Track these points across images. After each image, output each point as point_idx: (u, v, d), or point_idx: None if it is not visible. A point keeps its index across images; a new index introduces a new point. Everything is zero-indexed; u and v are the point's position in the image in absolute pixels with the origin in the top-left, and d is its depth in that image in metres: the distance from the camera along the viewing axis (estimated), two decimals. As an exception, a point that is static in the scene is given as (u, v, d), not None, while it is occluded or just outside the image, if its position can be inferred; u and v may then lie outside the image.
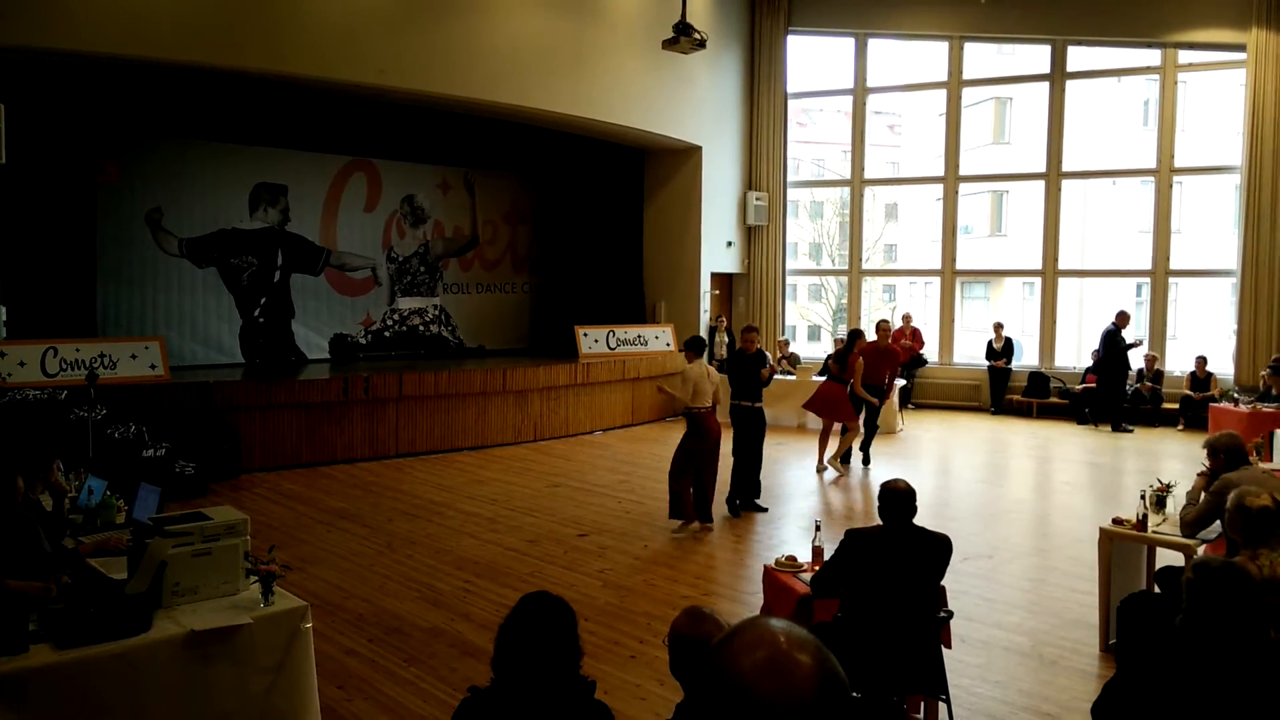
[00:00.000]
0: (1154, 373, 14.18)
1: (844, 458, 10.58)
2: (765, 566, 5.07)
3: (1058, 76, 15.20)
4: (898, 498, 4.09)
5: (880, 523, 4.14)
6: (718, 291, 16.41)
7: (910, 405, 15.51)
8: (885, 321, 11.46)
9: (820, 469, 10.57)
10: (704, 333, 15.48)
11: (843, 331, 17.07)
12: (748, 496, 8.80)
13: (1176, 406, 13.76)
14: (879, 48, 16.66)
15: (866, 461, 10.88)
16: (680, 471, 8.04)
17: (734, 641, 1.11)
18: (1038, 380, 15.16)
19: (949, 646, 4.45)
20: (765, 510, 8.76)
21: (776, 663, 1.07)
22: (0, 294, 10.22)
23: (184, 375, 11.07)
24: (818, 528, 5.05)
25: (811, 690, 1.06)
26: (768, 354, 9.78)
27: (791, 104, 16.99)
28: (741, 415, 8.74)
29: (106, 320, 11.90)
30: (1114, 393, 13.65)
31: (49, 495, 5.04)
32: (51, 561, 4.09)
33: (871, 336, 11.03)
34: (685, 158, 15.71)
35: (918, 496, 4.15)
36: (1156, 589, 4.92)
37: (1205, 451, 5.21)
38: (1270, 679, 2.63)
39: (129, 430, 9.16)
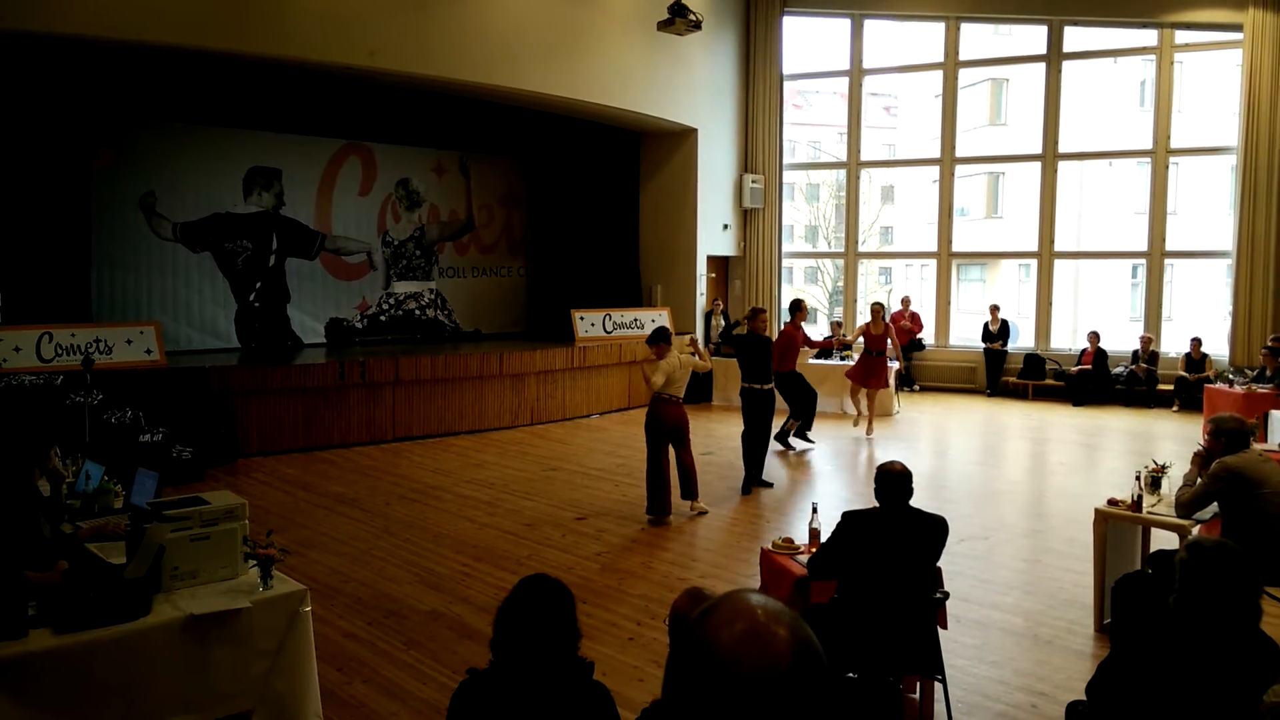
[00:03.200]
0: (1149, 354, 14.21)
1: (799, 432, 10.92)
2: (762, 549, 5.10)
3: (1054, 57, 15.15)
4: (894, 479, 4.10)
5: (877, 504, 4.16)
6: (714, 275, 16.40)
7: (916, 387, 15.58)
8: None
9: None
10: (700, 316, 15.53)
11: (839, 314, 17.17)
12: (755, 476, 8.91)
13: (1171, 388, 13.79)
14: (875, 29, 16.59)
15: (787, 444, 10.84)
16: (652, 463, 7.91)
17: (713, 615, 1.14)
18: (1033, 362, 15.19)
19: (945, 627, 4.48)
20: (771, 485, 8.95)
21: (754, 635, 1.10)
22: (-6, 279, 10.20)
23: (180, 360, 11.06)
24: (814, 510, 5.07)
25: (788, 661, 1.09)
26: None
27: (787, 86, 16.92)
28: (753, 397, 8.81)
29: (101, 305, 11.87)
30: None
31: (46, 481, 5.04)
32: (50, 546, 4.10)
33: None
34: (681, 140, 15.66)
35: (914, 478, 4.17)
36: (1149, 573, 4.95)
37: (1208, 429, 5.22)
38: (1260, 657, 2.65)
39: (125, 415, 9.15)
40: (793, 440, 10.88)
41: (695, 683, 1.11)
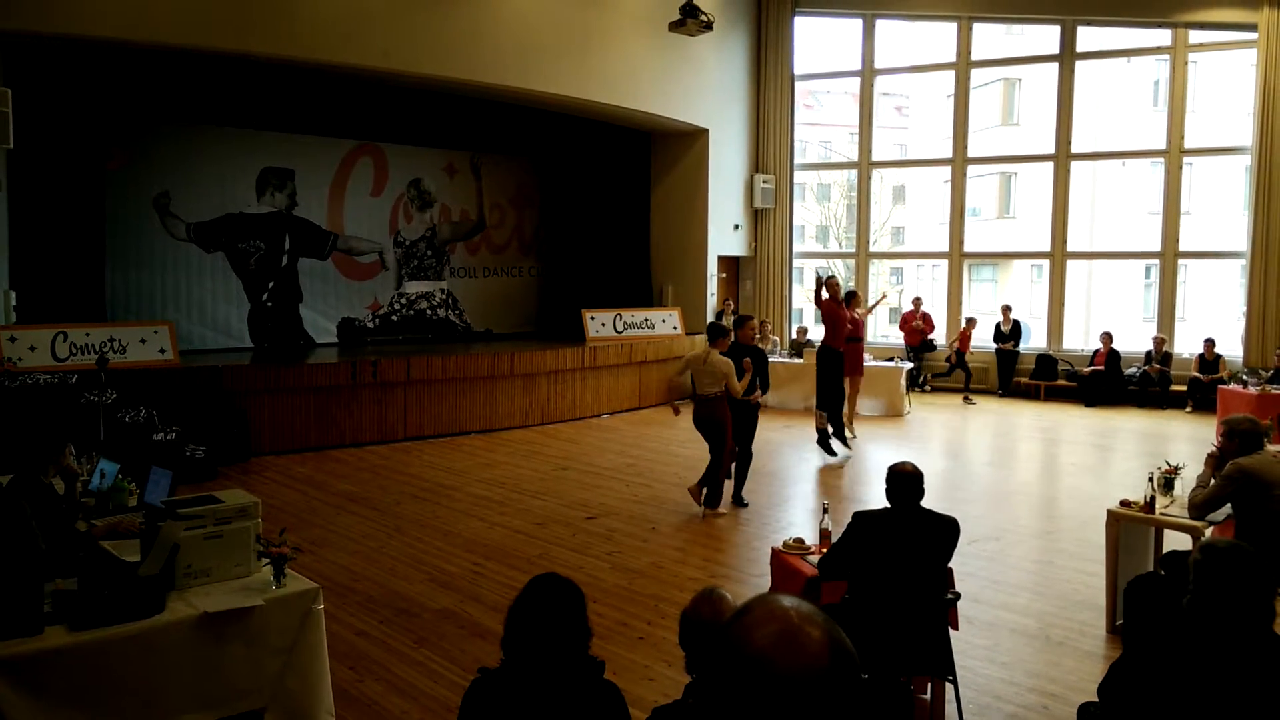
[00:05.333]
0: (1162, 355, 14.14)
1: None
2: (773, 549, 5.10)
3: (1067, 57, 15.10)
4: (905, 480, 4.10)
5: (888, 505, 4.16)
6: (725, 275, 16.40)
7: (928, 388, 15.55)
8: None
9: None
10: (710, 316, 15.52)
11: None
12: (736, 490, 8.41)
13: (1185, 389, 13.72)
14: (886, 29, 16.56)
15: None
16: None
17: (746, 618, 1.15)
18: (1045, 363, 15.13)
19: (956, 628, 4.46)
20: (746, 505, 8.30)
21: (789, 636, 1.11)
22: (10, 279, 10.26)
23: (193, 359, 11.11)
24: (825, 510, 5.07)
25: (824, 661, 1.10)
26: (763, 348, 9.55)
27: (798, 86, 16.90)
28: (736, 410, 8.24)
29: (116, 305, 11.95)
30: None
31: (61, 479, 5.07)
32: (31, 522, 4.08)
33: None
34: (692, 140, 15.66)
35: (925, 478, 4.16)
36: (1162, 574, 4.93)
37: (1221, 431, 5.19)
38: (1275, 660, 2.63)
39: (139, 414, 9.20)
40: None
41: (732, 686, 1.11)
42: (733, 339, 8.24)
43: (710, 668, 1.16)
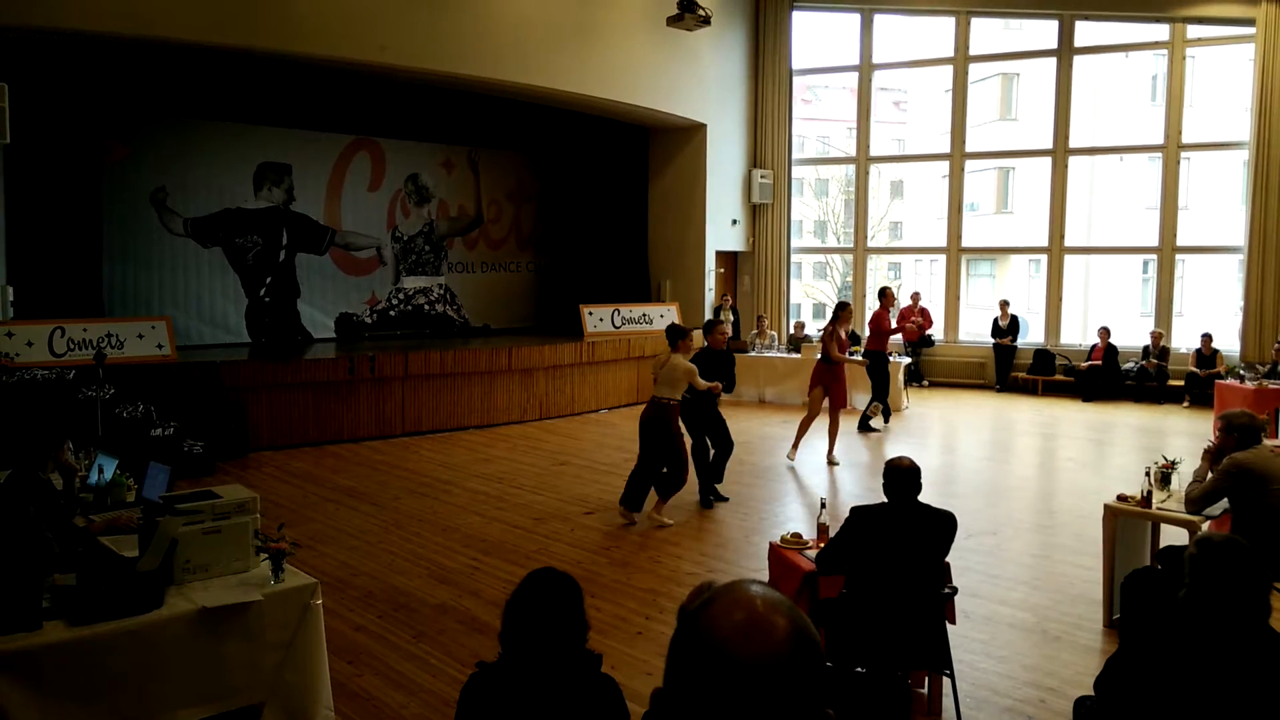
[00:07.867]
0: (1160, 349, 14.16)
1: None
2: (771, 543, 5.11)
3: (1065, 52, 15.09)
4: (903, 475, 4.11)
5: (885, 500, 4.16)
6: (723, 270, 16.39)
7: (926, 383, 15.57)
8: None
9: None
10: (709, 312, 15.51)
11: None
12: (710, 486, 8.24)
13: (1182, 384, 13.74)
14: (884, 23, 16.55)
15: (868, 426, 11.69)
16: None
17: (714, 605, 1.17)
18: (1043, 358, 15.15)
19: (953, 622, 4.48)
20: (727, 500, 8.23)
21: (753, 624, 1.13)
22: (7, 274, 10.25)
23: (191, 355, 11.11)
24: (823, 505, 5.08)
25: (786, 649, 1.12)
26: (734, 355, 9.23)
27: (796, 81, 16.89)
28: (696, 400, 8.01)
29: (113, 300, 11.94)
30: None
31: (59, 474, 5.08)
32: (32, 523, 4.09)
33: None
34: (690, 135, 15.64)
35: (923, 474, 4.17)
36: (1159, 568, 4.94)
37: (1219, 425, 5.20)
38: (1270, 654, 2.64)
39: (137, 409, 9.20)
40: (872, 423, 11.65)
41: (696, 672, 1.13)
42: (703, 343, 8.25)
43: (675, 652, 1.18)
